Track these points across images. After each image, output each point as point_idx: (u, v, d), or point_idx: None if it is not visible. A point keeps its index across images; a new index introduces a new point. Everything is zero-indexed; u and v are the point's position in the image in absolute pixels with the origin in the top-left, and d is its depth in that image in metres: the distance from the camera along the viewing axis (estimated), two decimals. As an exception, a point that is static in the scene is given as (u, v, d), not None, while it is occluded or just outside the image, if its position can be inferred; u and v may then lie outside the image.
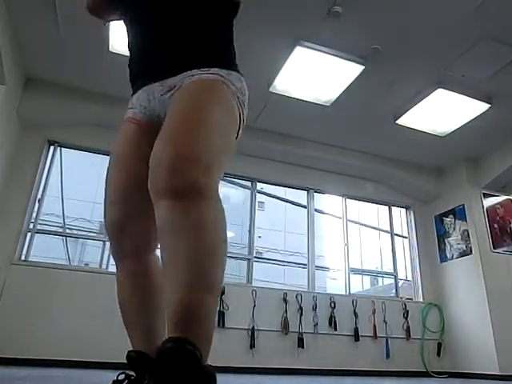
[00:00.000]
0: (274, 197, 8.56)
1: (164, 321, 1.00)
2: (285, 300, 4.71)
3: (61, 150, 4.71)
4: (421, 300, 5.53)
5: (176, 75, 1.05)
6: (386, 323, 5.07)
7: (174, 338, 0.71)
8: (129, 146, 1.11)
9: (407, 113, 4.54)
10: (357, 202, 6.10)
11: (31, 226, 4.28)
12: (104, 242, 4.50)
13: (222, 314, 4.36)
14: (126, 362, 1.02)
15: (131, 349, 1.04)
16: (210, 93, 0.99)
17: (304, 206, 5.66)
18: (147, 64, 1.13)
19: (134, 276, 1.06)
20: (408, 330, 5.14)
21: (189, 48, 1.07)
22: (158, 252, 0.97)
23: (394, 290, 5.95)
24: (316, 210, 5.74)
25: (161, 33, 1.11)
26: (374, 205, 6.49)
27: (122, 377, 1.00)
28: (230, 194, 16.40)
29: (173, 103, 1.00)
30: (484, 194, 5.46)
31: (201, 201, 0.82)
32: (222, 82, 1.03)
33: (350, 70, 3.92)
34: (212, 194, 0.85)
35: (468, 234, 5.30)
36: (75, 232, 11.37)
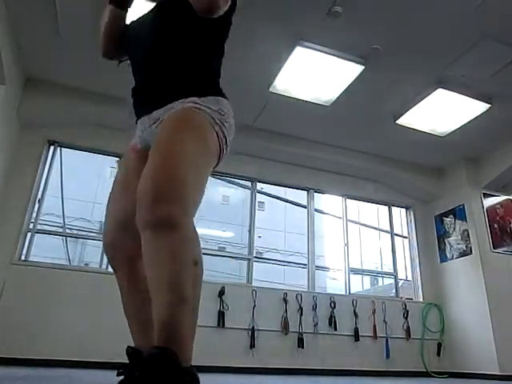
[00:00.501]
0: (274, 197, 8.55)
1: None
2: (285, 300, 4.71)
3: (61, 150, 4.71)
4: (421, 300, 5.53)
5: (159, 108, 1.21)
6: (386, 323, 5.07)
7: (158, 347, 0.89)
8: (134, 164, 1.27)
9: (407, 113, 4.54)
10: (357, 201, 6.10)
11: (31, 225, 4.27)
12: (104, 241, 4.50)
13: (222, 314, 4.36)
14: (125, 362, 1.05)
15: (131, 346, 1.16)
16: (185, 122, 1.13)
17: (304, 206, 5.66)
18: (140, 99, 1.31)
19: (129, 281, 1.23)
20: (408, 330, 5.14)
21: (170, 84, 1.23)
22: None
23: (393, 290, 5.95)
24: (316, 210, 5.74)
25: (148, 71, 1.29)
26: (374, 205, 6.49)
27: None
28: (230, 194, 16.42)
29: (155, 138, 1.14)
30: (484, 193, 5.46)
31: (173, 232, 0.96)
32: (195, 108, 1.15)
33: (350, 70, 3.92)
34: (184, 224, 0.99)
35: (468, 234, 5.30)
36: (75, 232, 11.37)
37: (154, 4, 1.39)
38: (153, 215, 0.97)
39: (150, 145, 1.16)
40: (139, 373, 0.95)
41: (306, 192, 5.66)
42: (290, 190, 5.96)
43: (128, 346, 1.10)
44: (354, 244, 6.31)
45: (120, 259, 1.24)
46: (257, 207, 5.33)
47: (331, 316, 4.84)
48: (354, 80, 4.03)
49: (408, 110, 4.51)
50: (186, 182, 1.03)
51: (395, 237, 5.95)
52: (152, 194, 0.98)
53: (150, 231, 0.97)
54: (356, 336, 4.85)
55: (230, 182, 5.56)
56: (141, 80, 1.31)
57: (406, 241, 6.04)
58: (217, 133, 1.17)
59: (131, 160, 1.31)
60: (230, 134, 1.22)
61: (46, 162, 4.53)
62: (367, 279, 14.63)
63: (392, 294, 6.23)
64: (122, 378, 1.02)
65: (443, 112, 4.49)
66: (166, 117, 1.16)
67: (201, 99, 1.17)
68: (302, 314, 4.71)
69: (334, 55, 3.74)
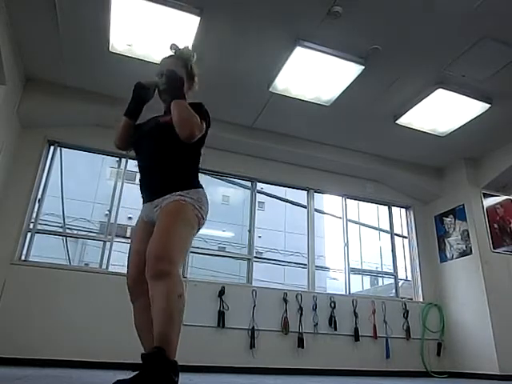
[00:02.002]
0: (273, 197, 8.57)
1: None
2: (285, 300, 4.71)
3: (61, 149, 4.71)
4: (421, 300, 5.53)
5: (159, 198, 1.81)
6: (386, 323, 5.07)
7: (156, 347, 1.48)
8: (142, 234, 1.87)
9: (407, 113, 4.54)
10: (357, 201, 6.09)
11: (31, 225, 4.27)
12: (104, 241, 4.49)
13: (222, 314, 4.36)
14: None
15: (140, 351, 1.58)
16: (175, 212, 1.74)
17: (304, 206, 5.66)
18: (146, 191, 1.92)
19: (145, 309, 1.68)
20: (408, 330, 5.14)
21: (166, 183, 1.83)
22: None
23: (393, 290, 5.95)
24: (316, 210, 5.74)
25: (151, 175, 1.90)
26: (374, 205, 6.49)
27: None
28: (230, 194, 16.41)
29: (157, 218, 1.76)
30: (484, 193, 5.46)
31: (168, 280, 1.58)
32: (184, 200, 1.76)
33: (350, 70, 3.92)
34: (174, 274, 1.60)
35: (468, 234, 5.30)
36: (75, 232, 11.37)
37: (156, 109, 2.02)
38: (155, 270, 1.59)
39: (154, 220, 1.79)
40: (144, 362, 1.45)
41: (306, 192, 5.66)
42: (290, 189, 5.96)
43: (143, 353, 1.54)
44: (353, 244, 6.32)
45: (137, 295, 1.81)
46: (257, 207, 5.33)
47: (331, 316, 4.84)
48: (354, 80, 4.03)
49: (408, 110, 4.50)
50: (175, 250, 1.65)
51: (395, 237, 5.95)
52: (155, 257, 1.61)
53: (153, 279, 1.59)
54: (356, 336, 4.85)
55: (230, 181, 5.56)
56: (146, 179, 1.91)
57: (406, 241, 6.04)
58: (196, 214, 1.78)
59: (141, 228, 1.91)
60: (205, 212, 1.84)
61: (46, 162, 4.53)
62: (367, 279, 14.62)
63: (392, 294, 6.23)
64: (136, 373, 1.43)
65: (443, 112, 4.49)
66: (164, 205, 1.76)
67: (185, 192, 1.78)
68: (302, 314, 4.71)
69: (333, 55, 3.73)
